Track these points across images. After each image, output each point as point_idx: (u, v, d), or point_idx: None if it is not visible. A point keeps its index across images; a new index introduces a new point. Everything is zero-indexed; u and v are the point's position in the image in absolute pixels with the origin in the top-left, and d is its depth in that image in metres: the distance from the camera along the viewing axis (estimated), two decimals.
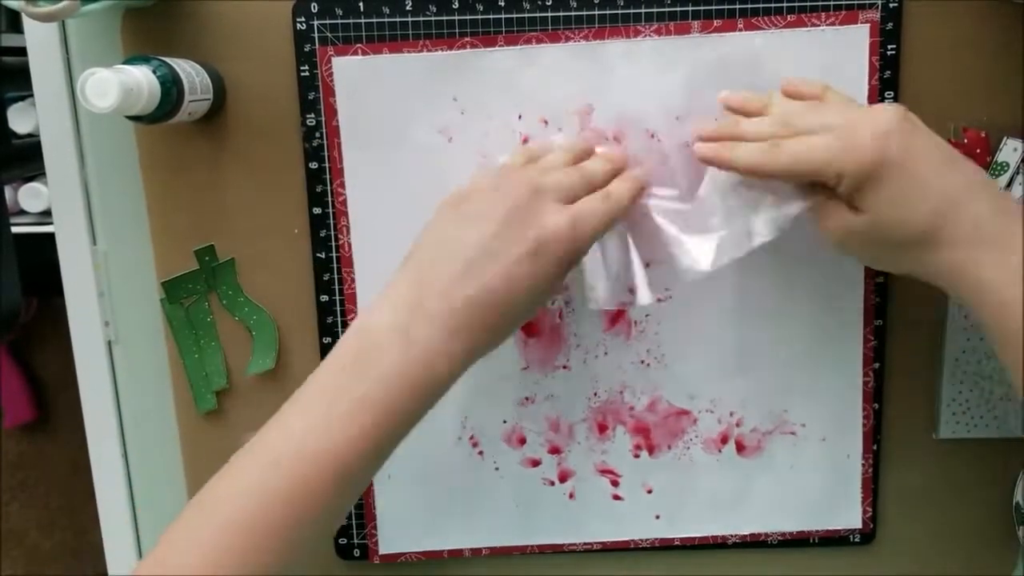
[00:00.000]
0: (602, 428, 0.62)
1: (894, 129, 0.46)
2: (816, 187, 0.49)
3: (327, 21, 0.57)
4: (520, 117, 0.58)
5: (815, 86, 0.52)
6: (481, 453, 0.62)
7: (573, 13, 0.57)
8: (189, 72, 0.53)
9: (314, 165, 0.59)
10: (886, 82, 0.57)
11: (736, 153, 0.50)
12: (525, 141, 0.58)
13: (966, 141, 0.58)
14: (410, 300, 0.46)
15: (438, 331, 0.45)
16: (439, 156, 0.58)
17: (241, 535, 0.42)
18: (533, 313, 0.54)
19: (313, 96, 0.58)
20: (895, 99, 0.57)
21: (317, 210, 0.59)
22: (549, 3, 0.57)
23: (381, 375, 0.44)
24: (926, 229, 0.45)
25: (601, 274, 0.53)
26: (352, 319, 0.60)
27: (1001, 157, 0.58)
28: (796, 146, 0.48)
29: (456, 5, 0.57)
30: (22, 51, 0.60)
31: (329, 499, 0.43)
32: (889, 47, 0.57)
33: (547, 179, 0.50)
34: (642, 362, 0.61)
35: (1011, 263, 0.44)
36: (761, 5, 0.56)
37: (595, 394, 0.61)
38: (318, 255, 0.60)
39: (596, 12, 0.57)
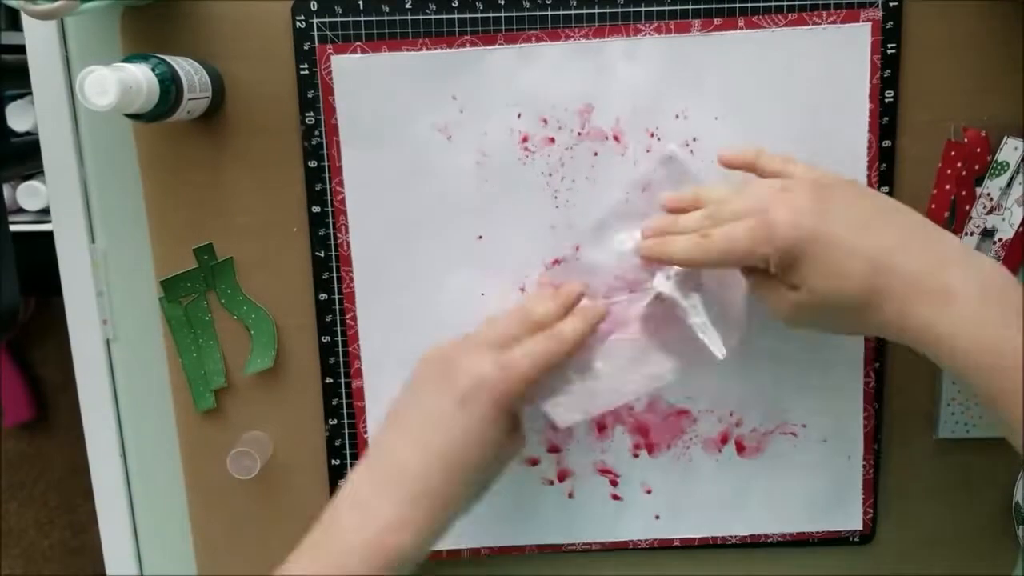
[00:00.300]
0: (601, 428, 0.62)
1: (806, 205, 0.46)
2: (754, 271, 0.50)
3: (326, 19, 0.57)
4: (519, 116, 0.58)
5: (748, 154, 0.53)
6: None
7: (573, 12, 0.57)
8: (188, 70, 0.53)
9: (313, 163, 0.59)
10: (887, 81, 0.57)
11: (672, 248, 0.51)
12: (525, 140, 0.58)
13: (966, 140, 0.58)
14: (370, 476, 0.48)
15: (396, 503, 0.47)
16: (438, 154, 0.58)
17: None
18: (497, 467, 0.52)
19: (312, 94, 0.58)
20: (895, 98, 0.57)
21: (316, 208, 0.59)
22: (549, 2, 0.56)
23: (343, 550, 0.46)
24: (861, 293, 0.46)
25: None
26: (350, 318, 0.60)
27: (1001, 156, 0.58)
28: (722, 236, 0.49)
29: (456, 3, 0.57)
30: (21, 49, 0.60)
31: None
32: (890, 46, 0.57)
33: (476, 331, 0.51)
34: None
35: (953, 313, 0.44)
36: (762, 4, 0.56)
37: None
38: (317, 253, 0.60)
39: (596, 11, 0.57)
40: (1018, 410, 0.42)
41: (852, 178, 0.51)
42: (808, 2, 0.56)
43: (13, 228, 0.77)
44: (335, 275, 0.60)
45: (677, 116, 0.57)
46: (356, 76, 0.57)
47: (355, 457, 0.62)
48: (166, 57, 0.52)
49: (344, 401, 0.62)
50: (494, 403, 0.48)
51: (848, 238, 0.46)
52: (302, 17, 0.57)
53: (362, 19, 0.57)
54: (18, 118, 1.13)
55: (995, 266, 0.46)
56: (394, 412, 0.51)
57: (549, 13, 0.57)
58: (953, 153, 0.58)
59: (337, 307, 0.60)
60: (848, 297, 0.46)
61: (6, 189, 1.17)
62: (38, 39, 0.59)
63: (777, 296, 0.49)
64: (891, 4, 0.56)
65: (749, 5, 0.56)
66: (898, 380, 0.61)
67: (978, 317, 0.43)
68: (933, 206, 0.59)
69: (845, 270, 0.46)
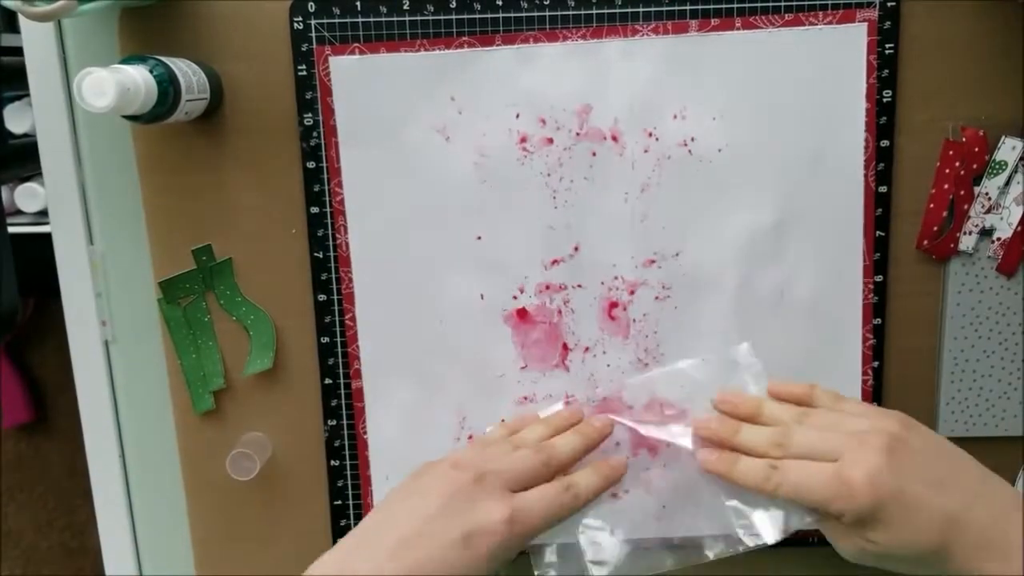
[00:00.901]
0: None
1: (883, 463, 0.47)
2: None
3: (324, 20, 0.57)
4: (518, 116, 0.58)
5: (801, 387, 0.55)
6: None
7: (571, 12, 0.57)
8: (186, 71, 0.53)
9: (311, 164, 0.59)
10: (884, 80, 0.57)
11: (738, 470, 0.52)
12: (523, 140, 0.58)
13: (964, 140, 0.58)
14: (345, 567, 0.47)
15: None
16: (437, 155, 0.58)
17: None
18: None
19: (310, 96, 0.58)
20: (893, 98, 0.57)
21: (315, 209, 0.59)
22: (547, 2, 0.57)
23: None
24: (935, 548, 0.46)
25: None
26: (350, 318, 0.60)
27: (1000, 156, 0.58)
28: (796, 480, 0.50)
29: (454, 4, 0.57)
30: (18, 51, 0.60)
31: None
32: (887, 46, 0.57)
33: (497, 465, 0.50)
34: (640, 361, 0.61)
35: (1014, 567, 0.45)
36: (759, 4, 0.56)
37: (594, 393, 0.61)
38: (315, 254, 0.60)
39: (594, 11, 0.57)
40: None
41: (909, 419, 0.51)
42: (805, 2, 0.56)
43: (11, 230, 0.77)
44: (334, 276, 0.60)
45: (675, 116, 0.57)
46: (354, 77, 0.57)
47: (354, 458, 0.62)
48: (164, 58, 0.52)
49: (343, 402, 0.62)
50: (492, 554, 0.47)
51: (924, 496, 0.47)
52: (300, 18, 0.57)
53: (360, 20, 0.57)
54: (16, 120, 1.13)
55: None
56: (394, 496, 0.51)
57: (547, 14, 0.57)
58: (951, 152, 0.58)
59: (336, 308, 0.60)
60: (919, 551, 0.47)
61: (4, 191, 1.17)
62: (36, 41, 0.59)
63: (847, 541, 0.50)
64: (888, 4, 0.56)
65: (747, 5, 0.56)
66: (898, 380, 0.61)
67: None
68: (931, 205, 0.59)
69: (919, 527, 0.47)
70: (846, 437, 0.49)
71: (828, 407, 0.53)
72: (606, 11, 0.57)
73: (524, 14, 0.57)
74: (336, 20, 0.57)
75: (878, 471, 0.47)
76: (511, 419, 0.59)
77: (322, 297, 0.60)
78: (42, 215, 1.18)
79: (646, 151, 0.58)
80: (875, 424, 0.50)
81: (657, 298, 0.60)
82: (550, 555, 0.56)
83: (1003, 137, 0.58)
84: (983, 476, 0.49)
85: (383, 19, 0.57)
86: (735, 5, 0.56)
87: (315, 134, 0.58)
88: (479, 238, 0.59)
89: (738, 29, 0.56)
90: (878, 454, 0.47)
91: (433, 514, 0.47)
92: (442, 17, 0.57)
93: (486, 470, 0.50)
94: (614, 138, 0.58)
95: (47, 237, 0.62)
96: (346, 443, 0.62)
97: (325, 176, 0.59)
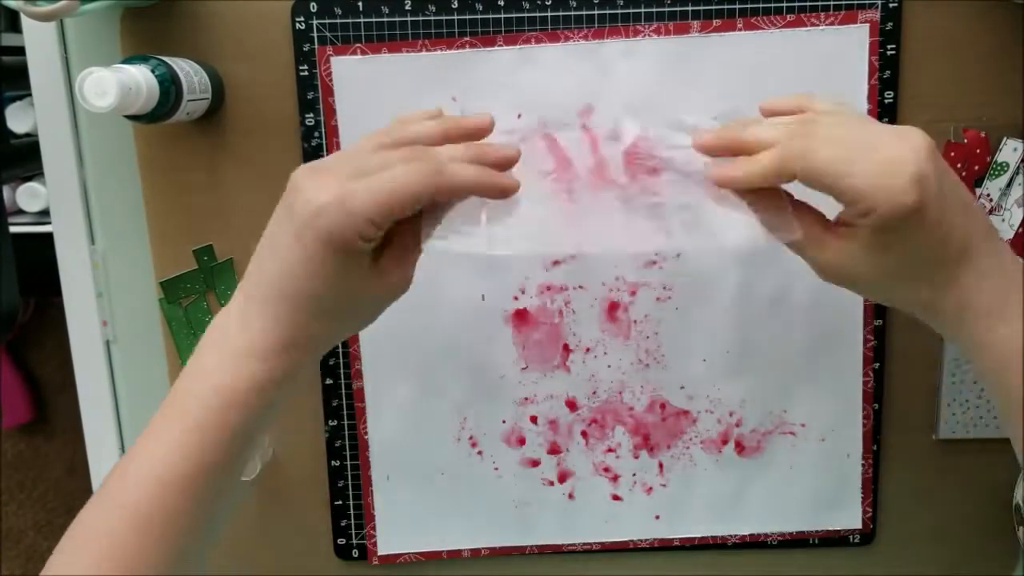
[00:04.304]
0: (601, 428, 0.62)
1: (931, 167, 0.40)
2: (810, 217, 0.45)
3: (326, 21, 0.57)
4: (519, 116, 0.57)
5: (797, 97, 0.46)
6: (480, 453, 0.62)
7: (572, 13, 0.57)
8: (188, 71, 0.53)
9: None
10: (885, 82, 0.57)
11: (756, 161, 0.43)
12: (525, 141, 0.58)
13: (966, 141, 0.58)
14: (237, 296, 0.44)
15: (257, 323, 0.42)
16: None
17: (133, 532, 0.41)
18: (361, 307, 0.46)
19: (312, 96, 0.58)
20: (895, 99, 0.57)
21: None
22: (548, 3, 0.57)
23: (214, 365, 0.42)
24: (936, 278, 0.42)
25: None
26: None
27: (1001, 157, 0.58)
28: (829, 155, 0.41)
29: (455, 5, 0.57)
30: (20, 51, 0.60)
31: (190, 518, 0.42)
32: (889, 47, 0.57)
33: (345, 149, 0.45)
34: (641, 362, 0.61)
35: (1002, 331, 0.41)
36: (761, 5, 0.56)
37: (594, 394, 0.61)
38: None
39: (596, 12, 0.57)
40: None
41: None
42: (807, 3, 0.56)
43: (13, 229, 0.77)
44: None
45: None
46: (356, 77, 0.57)
47: (355, 458, 0.62)
48: (166, 58, 0.52)
49: (344, 402, 0.62)
50: (325, 242, 0.40)
51: (957, 212, 0.41)
52: (302, 18, 0.57)
53: (362, 20, 0.57)
54: (18, 120, 1.13)
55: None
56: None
57: (549, 14, 0.57)
58: (953, 154, 0.58)
59: None
60: (921, 275, 0.42)
61: (6, 191, 1.17)
62: (38, 40, 0.59)
63: (836, 245, 0.44)
64: (890, 5, 0.56)
65: (748, 6, 0.56)
66: (898, 380, 0.61)
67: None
68: None
69: (937, 251, 0.41)
70: (886, 130, 0.42)
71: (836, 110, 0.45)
72: (608, 11, 0.57)
73: (526, 14, 0.57)
74: (338, 20, 0.57)
75: (928, 169, 0.40)
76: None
77: None
78: (43, 215, 1.18)
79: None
80: (905, 129, 0.42)
81: (658, 299, 0.60)
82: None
83: (1004, 139, 0.58)
84: (991, 225, 0.43)
85: (385, 19, 0.57)
86: (737, 6, 0.56)
87: (317, 134, 0.58)
88: None
89: (740, 30, 0.56)
90: (926, 153, 0.40)
91: (274, 218, 0.43)
92: (444, 17, 0.57)
93: (325, 160, 0.44)
94: (615, 138, 0.58)
95: (48, 237, 0.62)
96: (347, 443, 0.62)
97: None
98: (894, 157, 0.40)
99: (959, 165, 0.58)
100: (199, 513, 0.42)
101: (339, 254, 0.41)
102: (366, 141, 0.44)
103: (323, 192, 0.41)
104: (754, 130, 0.44)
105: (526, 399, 0.61)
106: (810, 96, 0.46)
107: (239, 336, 0.42)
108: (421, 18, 0.57)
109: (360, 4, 0.56)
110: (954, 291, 0.42)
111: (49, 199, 0.62)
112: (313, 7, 0.56)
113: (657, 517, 0.63)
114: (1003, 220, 0.58)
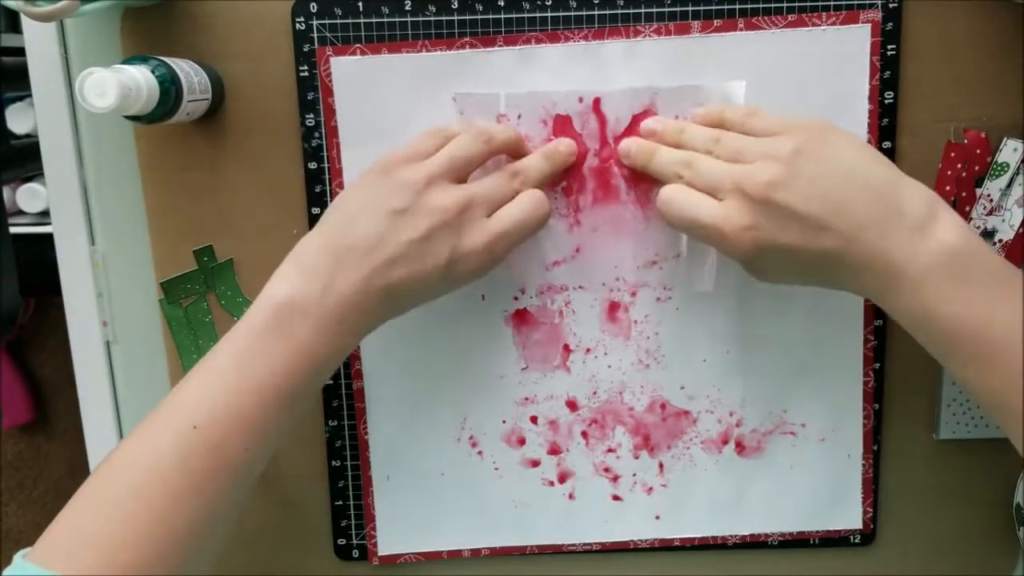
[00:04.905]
0: (602, 428, 0.62)
1: (757, 216, 0.47)
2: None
3: (326, 21, 0.57)
4: (520, 117, 0.57)
5: (716, 109, 0.54)
6: (480, 453, 0.62)
7: (573, 13, 0.57)
8: (188, 72, 0.53)
9: (313, 165, 0.59)
10: (886, 82, 0.57)
11: (655, 163, 0.54)
12: (525, 141, 0.58)
13: (966, 142, 0.58)
14: (326, 279, 0.48)
15: (349, 312, 0.48)
16: None
17: (159, 498, 0.43)
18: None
19: (312, 96, 0.58)
20: (895, 99, 0.57)
21: (316, 210, 0.59)
22: (548, 3, 0.57)
23: (293, 348, 0.46)
24: (820, 279, 0.49)
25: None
26: None
27: (1001, 157, 0.58)
28: (682, 206, 0.50)
29: (455, 5, 0.57)
30: (20, 51, 0.60)
31: (242, 462, 0.45)
32: (889, 47, 0.57)
33: (480, 191, 0.51)
34: (641, 362, 0.61)
35: (894, 285, 0.46)
36: (761, 5, 0.56)
37: (595, 394, 0.61)
38: None
39: (596, 12, 0.57)
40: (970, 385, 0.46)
41: (816, 133, 0.49)
42: (808, 4, 0.56)
43: (13, 230, 0.77)
44: None
45: (677, 117, 0.57)
46: (356, 78, 0.57)
47: (355, 458, 0.62)
48: (166, 59, 0.52)
49: (344, 403, 0.62)
50: (470, 275, 0.51)
51: (800, 241, 0.47)
52: (302, 19, 0.57)
53: (362, 21, 0.57)
54: (18, 120, 1.13)
55: (955, 235, 0.45)
56: (367, 205, 0.50)
57: (549, 15, 0.57)
58: (953, 154, 0.58)
59: None
60: (803, 276, 0.49)
61: (6, 191, 1.17)
62: (38, 41, 0.59)
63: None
64: (891, 5, 0.56)
65: (749, 6, 0.56)
66: (898, 380, 0.61)
67: (914, 295, 0.45)
68: None
69: (799, 267, 0.48)
70: (731, 176, 0.48)
71: (740, 124, 0.52)
72: (608, 12, 0.57)
73: (526, 15, 0.57)
74: (338, 21, 0.57)
75: (751, 222, 0.47)
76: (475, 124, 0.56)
77: None
78: (43, 215, 1.18)
79: None
80: (772, 149, 0.48)
81: (658, 299, 0.60)
82: None
83: (1005, 139, 0.58)
84: (882, 195, 0.47)
85: (385, 20, 0.57)
86: (737, 6, 0.56)
87: (317, 135, 0.58)
88: None
89: (741, 30, 0.56)
90: (755, 204, 0.47)
91: (422, 236, 0.49)
92: (444, 18, 0.57)
93: (472, 200, 0.50)
94: (615, 139, 0.58)
95: (48, 237, 0.62)
96: (347, 443, 0.62)
97: (327, 177, 0.59)
98: (722, 216, 0.48)
99: (959, 165, 0.58)
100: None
101: (474, 279, 0.52)
102: (431, 142, 0.53)
103: (479, 239, 0.50)
104: (655, 161, 0.54)
105: (526, 399, 0.61)
106: (722, 110, 0.54)
107: (350, 321, 0.48)
108: (421, 18, 0.57)
109: (360, 4, 0.57)
110: (847, 275, 0.48)
111: (49, 199, 0.62)
112: (313, 7, 0.57)
113: (657, 517, 0.63)
114: (1003, 220, 0.58)
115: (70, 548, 0.41)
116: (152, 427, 0.45)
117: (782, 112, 0.56)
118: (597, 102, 0.57)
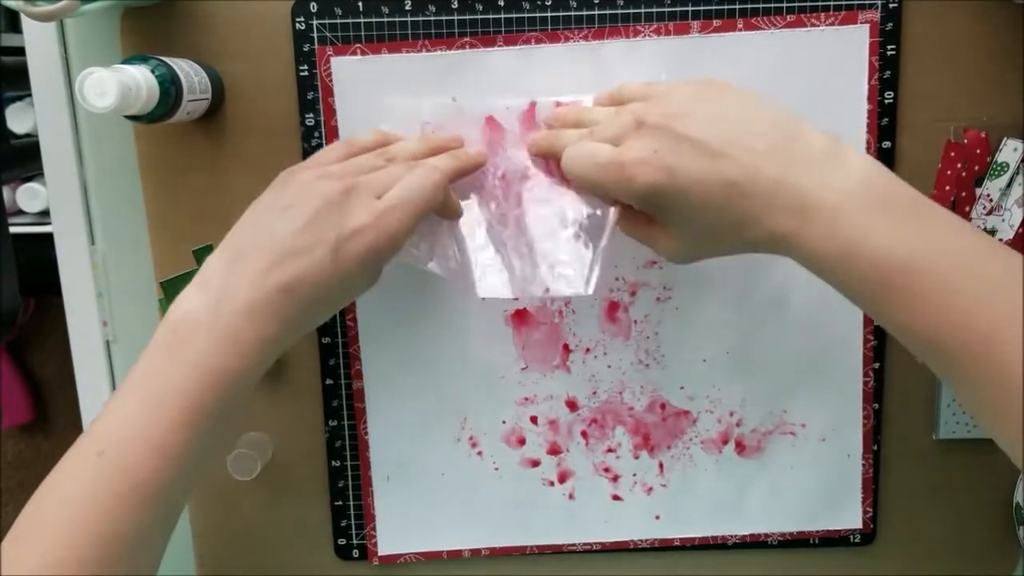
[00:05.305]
0: (602, 428, 0.62)
1: (656, 144, 0.45)
2: (627, 210, 0.51)
3: (326, 21, 0.57)
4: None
5: (612, 92, 0.53)
6: (480, 453, 0.62)
7: (573, 13, 0.57)
8: (188, 72, 0.53)
9: None
10: (886, 82, 0.57)
11: (559, 139, 0.52)
12: None
13: (966, 141, 0.58)
14: (220, 287, 0.46)
15: (245, 319, 0.45)
16: None
17: (82, 535, 0.43)
18: (344, 304, 0.54)
19: (312, 96, 0.58)
20: (895, 99, 0.57)
21: None
22: (549, 3, 0.57)
23: (191, 361, 0.44)
24: (726, 218, 0.44)
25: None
26: (350, 319, 0.60)
27: (1001, 157, 0.58)
28: (581, 159, 0.48)
29: (455, 5, 0.57)
30: (20, 51, 0.60)
31: (154, 483, 0.43)
32: (889, 47, 0.57)
33: (368, 177, 0.50)
34: (641, 362, 0.61)
35: (807, 222, 0.42)
36: (761, 5, 0.56)
37: (594, 394, 0.61)
38: None
39: (596, 12, 0.57)
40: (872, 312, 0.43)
41: (713, 82, 0.48)
42: (807, 4, 0.56)
43: (13, 230, 0.77)
44: None
45: None
46: (356, 78, 0.57)
47: (355, 458, 0.62)
48: (166, 58, 0.52)
49: (344, 403, 0.62)
50: (362, 257, 0.47)
51: (699, 166, 0.44)
52: (302, 19, 0.57)
53: (362, 21, 0.57)
54: (18, 120, 1.13)
55: (866, 166, 0.43)
56: (258, 213, 0.49)
57: (549, 15, 0.57)
58: (953, 154, 0.58)
59: None
60: (714, 226, 0.45)
61: (6, 191, 1.17)
62: (38, 41, 0.59)
63: (655, 238, 0.49)
64: (890, 5, 0.56)
65: (748, 7, 0.56)
66: (898, 380, 0.61)
67: (833, 229, 0.42)
68: None
69: (702, 200, 0.44)
70: (632, 114, 0.47)
71: (642, 94, 0.50)
72: (608, 12, 0.57)
73: (526, 15, 0.57)
74: (338, 21, 0.57)
75: (650, 151, 0.45)
76: (381, 131, 0.56)
77: None
78: (43, 215, 1.18)
79: None
80: (671, 90, 0.48)
81: (658, 299, 0.60)
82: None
83: (1004, 139, 0.58)
84: (784, 136, 0.44)
85: (385, 20, 0.57)
86: (737, 6, 0.56)
87: (317, 134, 0.58)
88: None
89: (740, 30, 0.56)
90: (653, 131, 0.45)
91: (304, 227, 0.47)
92: (444, 18, 0.57)
93: (357, 182, 0.49)
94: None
95: (48, 237, 0.62)
96: (347, 443, 0.62)
97: None
98: (622, 149, 0.46)
99: (959, 165, 0.58)
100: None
101: (373, 264, 0.48)
102: (332, 154, 0.52)
103: (363, 215, 0.47)
104: (560, 140, 0.52)
105: (526, 399, 0.61)
106: (621, 87, 0.52)
107: (249, 328, 0.45)
108: (421, 18, 0.57)
109: (360, 4, 0.57)
110: (756, 223, 0.44)
111: (49, 199, 0.62)
112: (313, 7, 0.57)
113: (657, 517, 0.63)
114: (1003, 220, 0.58)
115: None
116: (67, 456, 0.45)
117: None
118: (532, 107, 0.56)
